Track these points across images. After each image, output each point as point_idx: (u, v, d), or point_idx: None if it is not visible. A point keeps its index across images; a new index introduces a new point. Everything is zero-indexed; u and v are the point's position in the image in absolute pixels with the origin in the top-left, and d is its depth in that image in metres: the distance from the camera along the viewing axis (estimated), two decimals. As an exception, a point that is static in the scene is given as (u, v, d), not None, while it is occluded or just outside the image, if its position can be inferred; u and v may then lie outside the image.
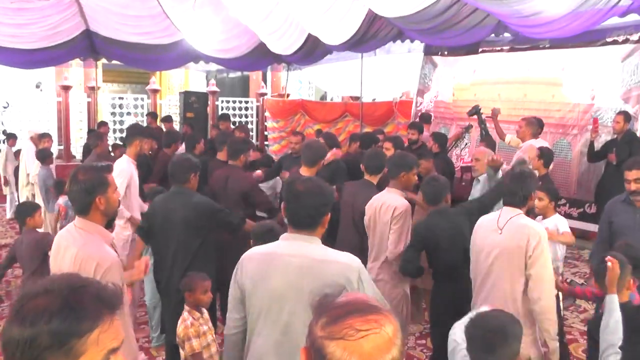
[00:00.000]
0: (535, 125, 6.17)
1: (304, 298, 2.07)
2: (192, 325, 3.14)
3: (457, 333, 2.29)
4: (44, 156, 6.94)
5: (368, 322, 1.06)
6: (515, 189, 3.13)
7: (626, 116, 6.11)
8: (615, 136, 6.26)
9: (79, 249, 2.42)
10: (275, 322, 2.14)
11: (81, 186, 2.47)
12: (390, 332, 1.07)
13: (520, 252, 2.97)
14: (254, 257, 2.25)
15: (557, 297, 3.81)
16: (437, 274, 3.76)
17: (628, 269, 2.75)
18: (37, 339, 1.04)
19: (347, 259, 2.16)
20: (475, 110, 6.99)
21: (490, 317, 2.18)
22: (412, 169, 3.88)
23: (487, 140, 6.44)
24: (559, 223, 4.21)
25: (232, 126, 9.66)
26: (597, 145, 6.48)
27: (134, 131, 5.25)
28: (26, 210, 4.48)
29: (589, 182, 6.89)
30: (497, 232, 3.06)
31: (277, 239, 2.29)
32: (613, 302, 2.59)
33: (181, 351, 3.22)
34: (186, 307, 3.23)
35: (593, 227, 6.57)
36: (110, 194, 2.54)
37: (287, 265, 2.14)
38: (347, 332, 1.05)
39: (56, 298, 1.08)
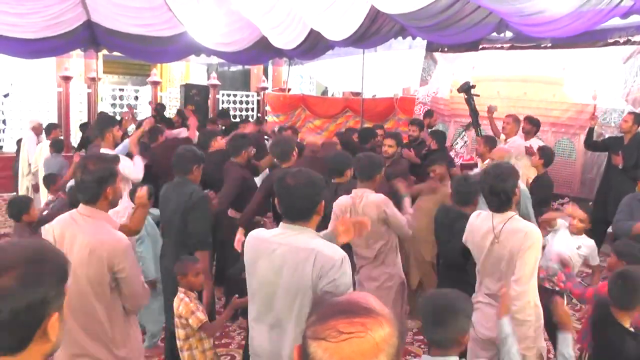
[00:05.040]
0: (520, 124, 6.23)
1: (285, 285, 2.18)
2: (191, 301, 3.24)
3: None
4: (59, 147, 7.11)
5: (353, 324, 1.01)
6: (497, 191, 2.89)
7: (636, 117, 6.03)
8: (621, 135, 6.18)
9: (90, 237, 2.43)
10: (267, 308, 2.24)
11: (93, 176, 2.51)
12: (377, 337, 1.01)
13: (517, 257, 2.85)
14: (251, 240, 2.37)
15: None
16: (445, 267, 3.77)
17: None
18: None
19: (330, 251, 2.18)
20: (467, 87, 6.84)
21: (441, 294, 2.25)
22: (382, 169, 3.92)
23: (487, 137, 6.43)
24: (589, 250, 3.99)
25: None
26: (597, 134, 6.49)
27: (105, 124, 5.03)
28: (22, 205, 4.32)
29: (592, 181, 6.94)
30: (494, 241, 2.92)
31: None
32: (566, 340, 2.59)
33: (180, 332, 3.26)
34: (181, 289, 3.30)
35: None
36: (118, 183, 2.61)
37: (272, 252, 2.22)
38: (329, 333, 1.01)
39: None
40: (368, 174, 3.81)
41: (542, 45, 7.52)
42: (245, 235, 3.84)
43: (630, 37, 6.69)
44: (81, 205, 2.57)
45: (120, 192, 2.65)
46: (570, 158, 7.23)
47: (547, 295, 3.31)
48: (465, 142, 8.41)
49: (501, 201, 2.91)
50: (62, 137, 8.54)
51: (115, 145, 5.09)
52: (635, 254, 3.28)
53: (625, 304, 2.66)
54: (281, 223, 2.30)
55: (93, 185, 2.51)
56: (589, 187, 6.98)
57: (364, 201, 3.72)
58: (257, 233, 2.40)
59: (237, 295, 3.37)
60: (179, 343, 3.30)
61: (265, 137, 8.26)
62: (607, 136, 6.58)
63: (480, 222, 3.05)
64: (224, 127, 8.88)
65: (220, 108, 12.07)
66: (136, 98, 13.23)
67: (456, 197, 3.76)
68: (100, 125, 5.06)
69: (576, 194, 7.03)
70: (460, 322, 2.11)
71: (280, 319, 2.19)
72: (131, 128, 7.51)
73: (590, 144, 6.53)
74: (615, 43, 6.83)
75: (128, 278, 2.48)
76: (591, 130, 6.46)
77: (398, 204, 5.01)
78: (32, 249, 1.28)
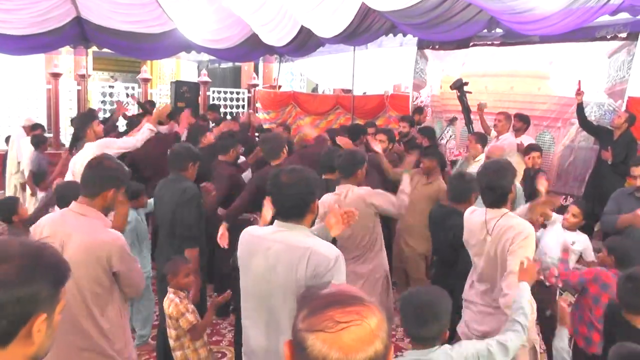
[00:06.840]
0: (511, 121, 6.25)
1: (280, 283, 2.16)
2: (181, 302, 3.23)
3: None
4: (37, 142, 6.89)
5: (348, 313, 1.03)
6: (493, 186, 2.90)
7: (630, 117, 6.04)
8: (611, 129, 6.19)
9: (87, 236, 2.39)
10: (262, 305, 2.22)
11: (107, 172, 2.52)
12: (372, 324, 1.04)
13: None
14: (246, 236, 2.36)
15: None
16: (439, 263, 3.83)
17: None
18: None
19: (326, 250, 2.16)
20: (459, 84, 6.83)
21: (422, 292, 2.30)
22: (364, 164, 3.88)
23: (478, 134, 6.45)
24: (584, 246, 3.99)
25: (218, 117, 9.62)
26: (589, 117, 6.49)
27: (85, 119, 4.90)
28: (9, 207, 4.17)
29: (567, 176, 7.01)
30: (487, 236, 2.92)
31: None
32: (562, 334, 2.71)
33: (171, 332, 3.25)
34: (170, 289, 3.28)
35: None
36: (120, 196, 2.62)
37: (267, 249, 2.21)
38: (326, 324, 1.02)
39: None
40: (349, 170, 3.81)
41: (532, 41, 7.54)
42: (230, 231, 3.90)
43: (617, 33, 6.74)
44: (74, 204, 2.50)
45: (114, 204, 2.63)
46: (549, 152, 7.27)
47: (539, 289, 3.34)
48: (451, 136, 8.43)
49: (496, 197, 2.92)
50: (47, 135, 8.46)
51: (97, 139, 5.01)
52: (624, 249, 3.32)
53: (637, 307, 2.60)
54: (275, 221, 2.29)
55: (102, 181, 2.50)
56: (563, 181, 7.04)
57: (349, 196, 3.71)
58: (252, 230, 2.38)
59: (229, 291, 3.38)
60: (171, 342, 3.30)
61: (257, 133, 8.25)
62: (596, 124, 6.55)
63: (475, 218, 3.05)
64: (214, 123, 8.82)
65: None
66: (127, 95, 13.14)
67: (451, 194, 3.79)
68: (79, 121, 4.98)
69: (551, 188, 7.06)
70: (442, 319, 2.16)
71: (277, 316, 2.17)
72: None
73: (584, 119, 6.39)
74: (602, 38, 6.86)
75: (127, 274, 2.50)
76: (580, 106, 6.33)
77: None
78: (32, 246, 1.28)
